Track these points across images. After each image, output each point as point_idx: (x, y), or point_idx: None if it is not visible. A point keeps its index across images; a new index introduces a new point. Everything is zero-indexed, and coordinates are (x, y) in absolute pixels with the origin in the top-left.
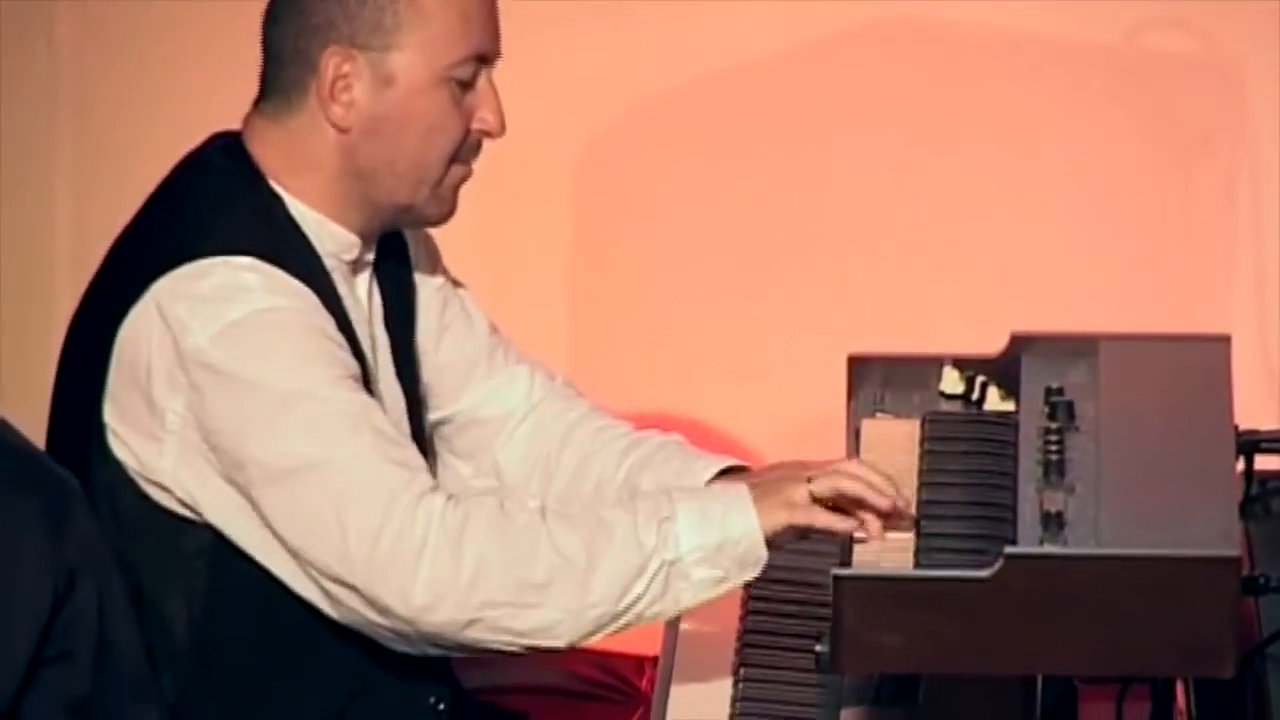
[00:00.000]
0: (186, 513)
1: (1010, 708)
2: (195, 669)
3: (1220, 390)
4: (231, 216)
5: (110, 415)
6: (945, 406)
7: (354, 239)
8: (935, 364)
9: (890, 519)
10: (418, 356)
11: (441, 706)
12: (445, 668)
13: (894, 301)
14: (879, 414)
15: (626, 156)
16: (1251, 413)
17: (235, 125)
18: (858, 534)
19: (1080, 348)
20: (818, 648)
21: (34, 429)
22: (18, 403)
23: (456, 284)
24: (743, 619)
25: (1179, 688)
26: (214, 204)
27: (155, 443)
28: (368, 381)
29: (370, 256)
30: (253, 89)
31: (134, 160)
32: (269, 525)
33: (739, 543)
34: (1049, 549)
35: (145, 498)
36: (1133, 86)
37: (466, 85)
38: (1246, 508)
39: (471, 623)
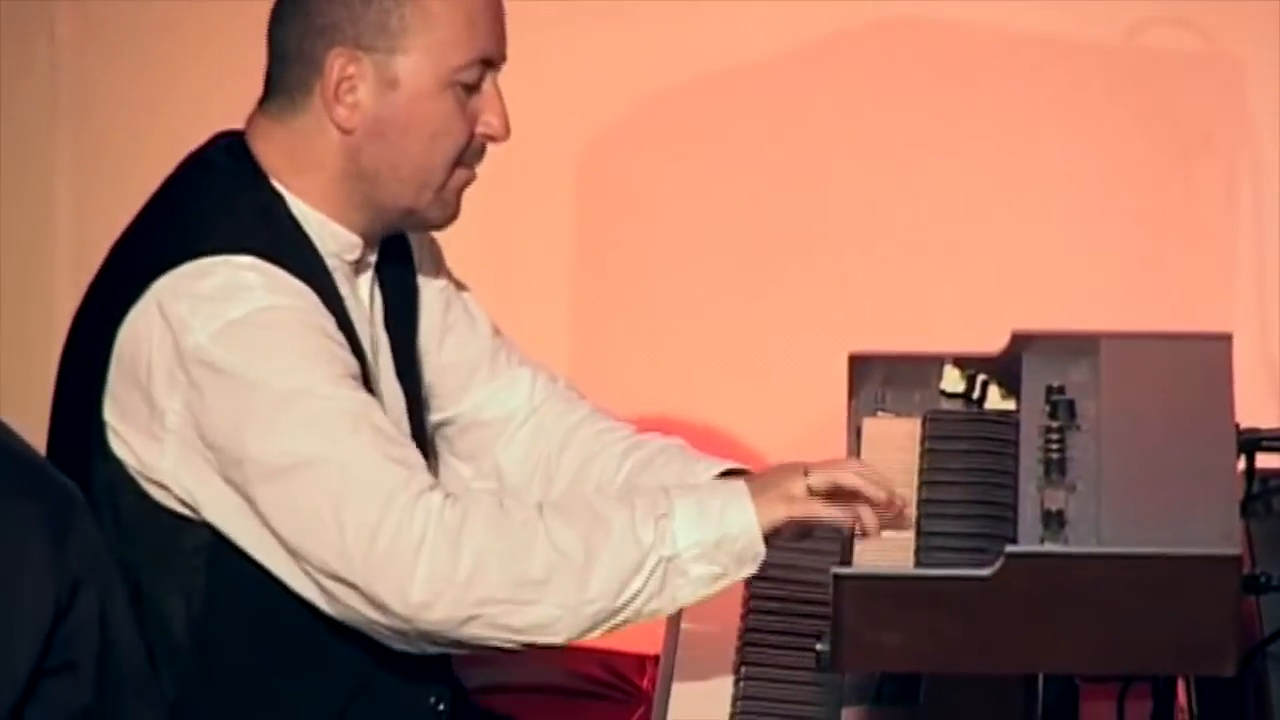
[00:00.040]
0: (186, 511)
1: (1011, 707)
2: (194, 668)
3: (1221, 389)
4: (233, 216)
5: (110, 414)
6: (946, 405)
7: (356, 240)
8: (936, 363)
9: (887, 513)
10: (419, 358)
11: (441, 707)
12: (445, 668)
13: (895, 301)
14: (880, 413)
15: (627, 157)
16: (1252, 411)
17: (236, 125)
18: (857, 527)
19: (1081, 346)
20: (818, 647)
21: (34, 429)
22: (18, 403)
23: (460, 286)
24: (744, 618)
25: (1180, 686)
26: (216, 203)
27: (155, 442)
28: (367, 381)
29: (372, 258)
30: (254, 89)
31: (134, 160)
32: (267, 523)
33: (737, 539)
34: (1050, 548)
35: (145, 496)
36: (1133, 86)
37: (471, 89)
38: (1247, 506)
39: (469, 619)
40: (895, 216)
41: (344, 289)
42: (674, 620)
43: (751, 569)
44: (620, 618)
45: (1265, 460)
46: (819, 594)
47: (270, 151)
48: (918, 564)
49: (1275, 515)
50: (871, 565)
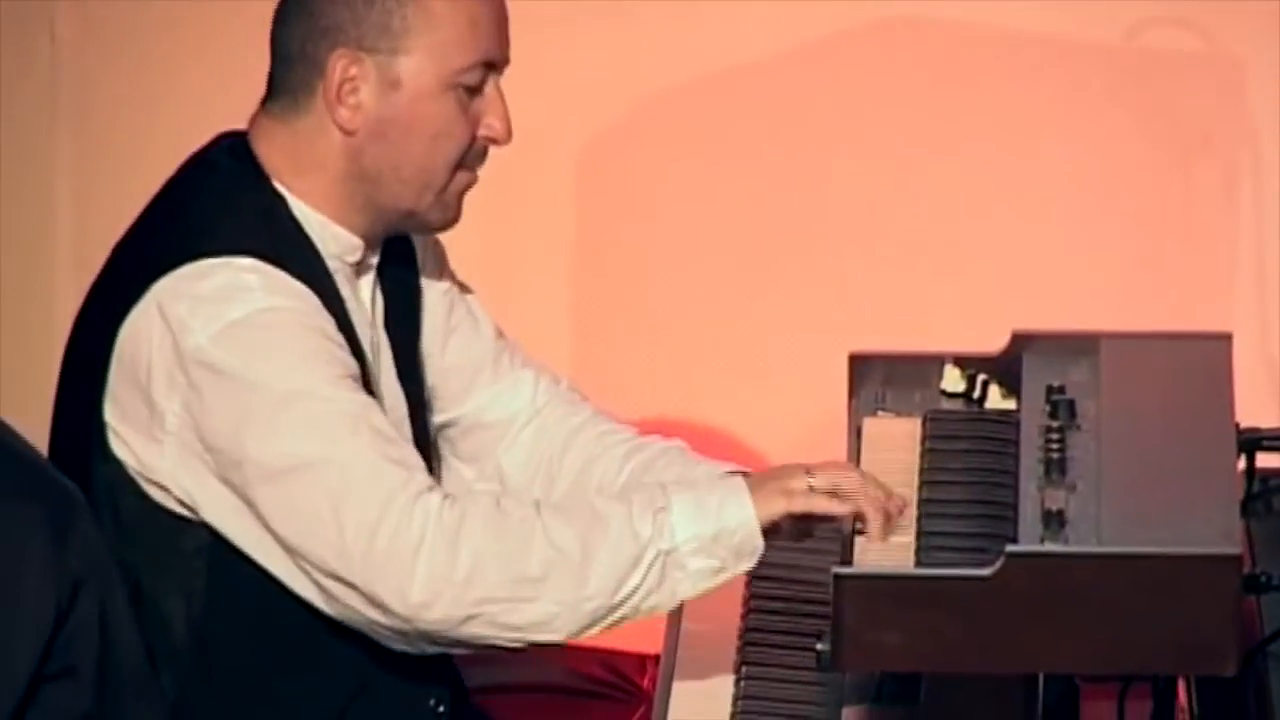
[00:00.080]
0: (186, 512)
1: (1012, 706)
2: (194, 668)
3: (1221, 388)
4: (234, 217)
5: (111, 414)
6: (946, 405)
7: (357, 241)
8: (936, 362)
9: (887, 523)
10: (422, 360)
11: (441, 708)
12: (445, 669)
13: (895, 300)
14: (880, 412)
15: (627, 157)
16: (1252, 410)
17: (236, 125)
18: (856, 525)
19: (1081, 346)
20: (819, 646)
21: (35, 430)
22: (18, 403)
23: (463, 288)
24: (744, 617)
25: (1180, 686)
26: (217, 204)
27: (155, 443)
28: (368, 383)
29: (374, 259)
30: (254, 89)
31: (134, 160)
32: (266, 524)
33: (735, 532)
34: (1050, 547)
35: (145, 497)
36: (1133, 86)
37: (473, 91)
38: (1247, 505)
39: (468, 618)
40: (895, 216)
41: (345, 291)
42: (675, 620)
43: (750, 563)
44: (619, 613)
45: (1265, 460)
46: (819, 593)
47: (272, 153)
48: (918, 564)
49: (1275, 515)
50: (872, 565)
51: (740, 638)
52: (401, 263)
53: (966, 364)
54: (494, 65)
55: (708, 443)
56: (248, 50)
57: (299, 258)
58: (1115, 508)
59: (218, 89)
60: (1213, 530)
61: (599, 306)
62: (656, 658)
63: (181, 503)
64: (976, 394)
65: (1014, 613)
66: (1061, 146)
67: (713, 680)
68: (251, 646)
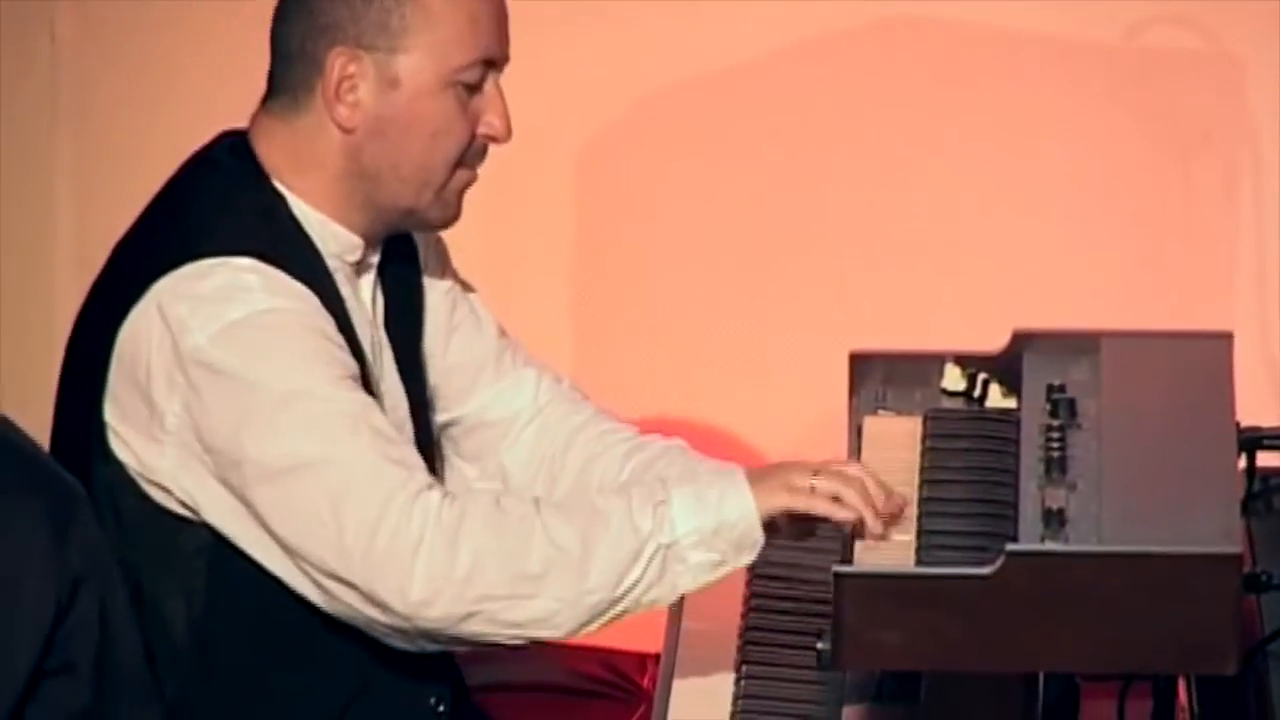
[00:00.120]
0: (186, 513)
1: (1012, 705)
2: (195, 668)
3: (1222, 387)
4: (234, 217)
5: (111, 415)
6: (947, 404)
7: (357, 240)
8: (937, 361)
9: (888, 520)
10: (424, 359)
11: (441, 707)
12: (446, 667)
13: (895, 299)
14: (881, 411)
15: (627, 156)
16: (1253, 409)
17: (236, 125)
18: (857, 526)
19: (1082, 345)
20: (819, 645)
21: (35, 429)
22: (18, 403)
23: (466, 287)
24: (744, 616)
25: (1181, 685)
26: (217, 204)
27: (156, 444)
28: (368, 383)
29: (374, 258)
30: (254, 89)
31: (135, 160)
32: (266, 524)
33: (735, 525)
34: (1050, 546)
35: (145, 498)
36: (1133, 85)
37: (473, 89)
38: (1248, 505)
39: (469, 616)
40: (895, 216)
41: (345, 290)
42: (675, 619)
43: (750, 556)
44: (620, 607)
45: (1266, 459)
46: (820, 592)
47: (272, 151)
48: (918, 562)
49: (1276, 514)
50: (872, 564)
51: (740, 636)
52: (403, 261)
53: (967, 363)
54: (494, 63)
55: (708, 442)
56: (248, 50)
57: (299, 257)
58: (1116, 507)
59: (218, 89)
60: (1213, 529)
61: (599, 306)
62: (656, 657)
63: (182, 503)
64: (977, 393)
65: (1014, 612)
66: (1061, 146)
67: (713, 679)
68: (252, 646)
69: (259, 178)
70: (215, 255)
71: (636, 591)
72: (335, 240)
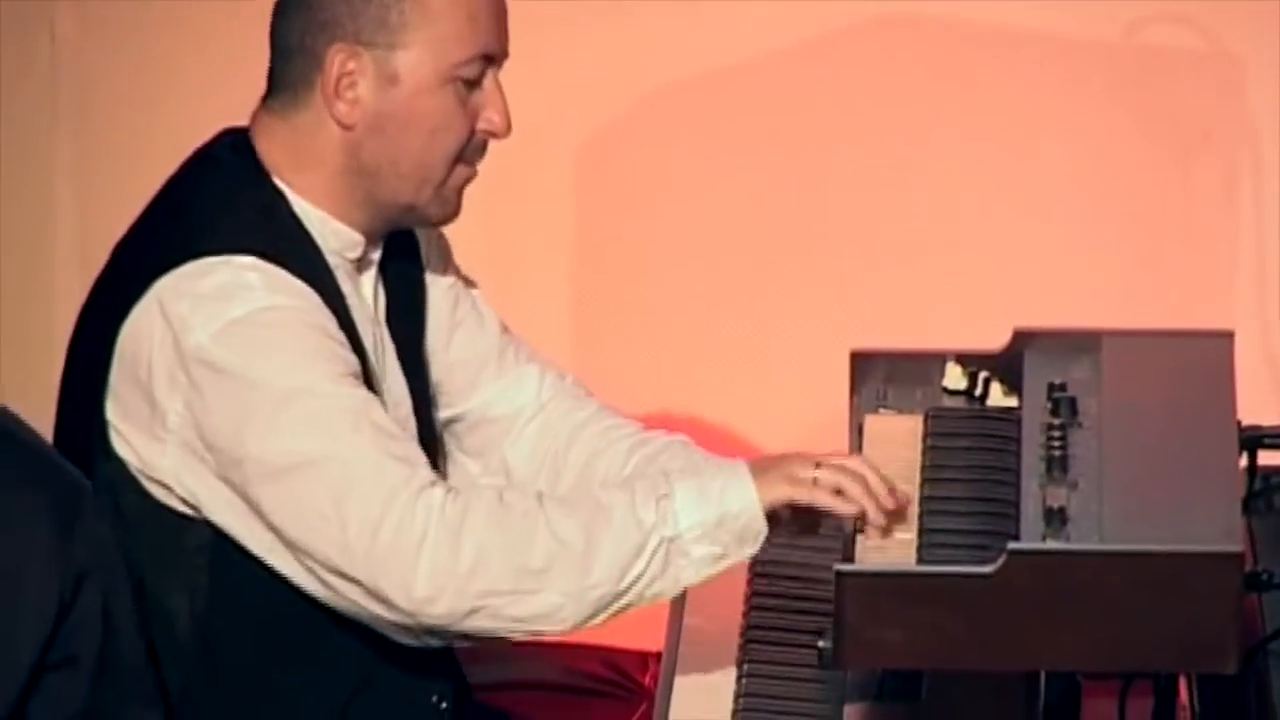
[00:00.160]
0: (188, 511)
1: (1013, 703)
2: (198, 665)
3: (1223, 386)
4: (235, 215)
5: (112, 413)
6: (948, 402)
7: (357, 237)
8: (938, 360)
9: (890, 517)
10: (426, 355)
11: (444, 705)
12: (448, 665)
13: (896, 298)
14: (882, 410)
15: (628, 154)
16: (1254, 408)
17: (236, 124)
18: (859, 523)
19: (1083, 343)
20: (820, 643)
21: (36, 428)
22: (18, 403)
23: (468, 283)
24: (746, 615)
25: (1182, 684)
26: (218, 202)
27: (157, 442)
28: (369, 380)
29: (375, 255)
30: (255, 88)
31: (135, 159)
32: (269, 522)
33: (738, 517)
34: (1051, 545)
35: (147, 496)
36: (1133, 84)
37: (472, 85)
38: (1249, 503)
39: (473, 611)
40: (895, 215)
41: (346, 287)
42: (676, 617)
43: (753, 548)
44: (624, 601)
45: (1267, 457)
46: (821, 590)
47: (273, 149)
48: (920, 561)
49: (1277, 513)
50: (874, 562)
51: (742, 635)
52: (405, 258)
53: (968, 361)
54: (493, 58)
55: (708, 441)
56: (248, 50)
57: (299, 255)
58: (1117, 505)
59: (218, 88)
60: (1214, 528)
61: (599, 304)
62: (658, 655)
63: (184, 501)
64: (978, 391)
65: (1016, 610)
66: (1061, 145)
67: (714, 677)
68: (255, 643)
69: (259, 175)
70: (216, 253)
71: (640, 585)
72: (336, 237)
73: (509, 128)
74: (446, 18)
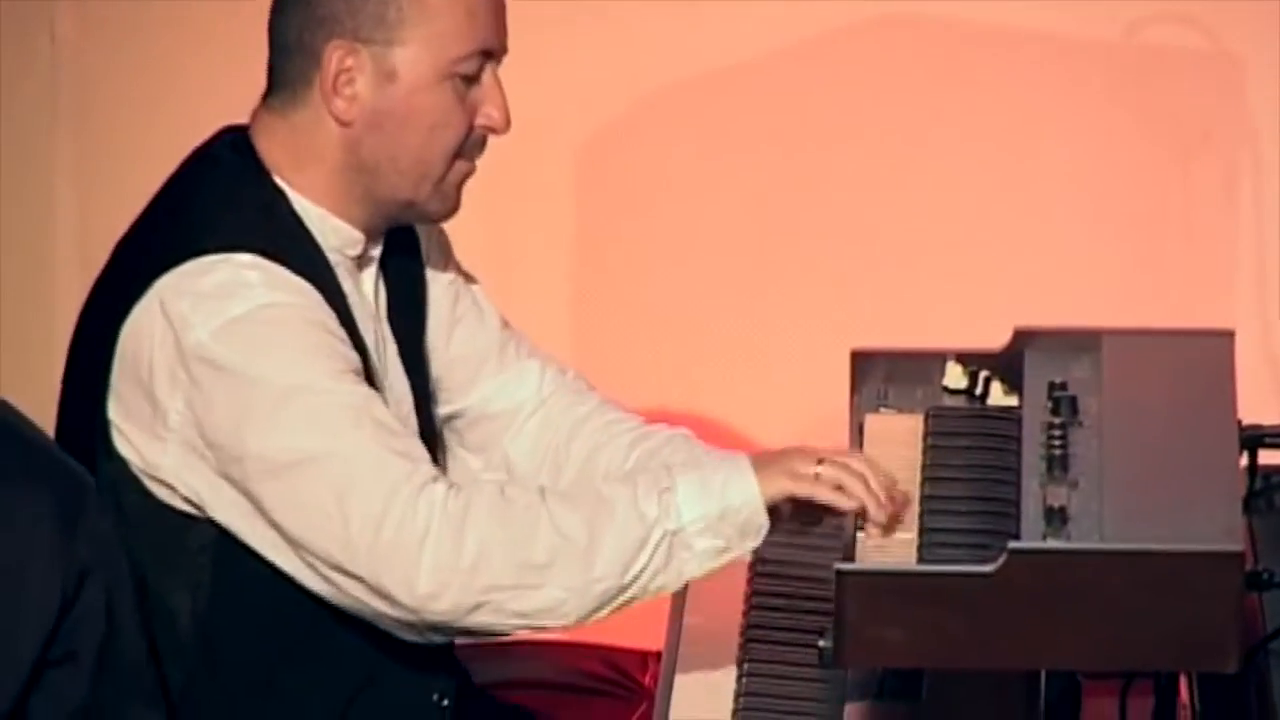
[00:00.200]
0: (190, 509)
1: (1014, 703)
2: (200, 663)
3: (1223, 385)
4: (235, 213)
5: (114, 412)
6: (948, 401)
7: (357, 234)
8: (938, 359)
9: (890, 521)
10: (427, 351)
11: (445, 702)
12: (451, 662)
13: (896, 297)
14: (882, 409)
15: (628, 153)
16: (1255, 407)
17: (236, 123)
18: (860, 521)
19: (1083, 343)
20: (821, 642)
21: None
22: (19, 402)
23: (469, 279)
24: (746, 614)
25: (1182, 683)
26: (218, 200)
27: (158, 441)
28: (370, 377)
29: (375, 251)
30: (254, 88)
31: (135, 159)
32: (271, 519)
33: (740, 510)
34: (1052, 544)
35: (149, 495)
36: (1133, 83)
37: (471, 80)
38: (1250, 503)
39: (476, 607)
40: (897, 213)
41: (346, 284)
42: (676, 615)
43: (755, 542)
44: (627, 595)
45: (1268, 457)
46: (822, 590)
47: (273, 147)
48: (920, 560)
49: (1277, 512)
50: (874, 561)
51: (742, 634)
52: (405, 254)
53: (968, 360)
54: (491, 54)
55: (709, 440)
56: (248, 49)
57: (299, 252)
58: (1117, 504)
59: (218, 88)
60: (1215, 527)
61: (599, 303)
62: (658, 654)
63: (186, 499)
64: (978, 391)
65: (1016, 609)
66: (1061, 145)
67: (715, 676)
68: (257, 640)
69: (259, 173)
70: (216, 251)
71: (644, 579)
72: (335, 234)
73: (508, 123)
74: (444, 14)
